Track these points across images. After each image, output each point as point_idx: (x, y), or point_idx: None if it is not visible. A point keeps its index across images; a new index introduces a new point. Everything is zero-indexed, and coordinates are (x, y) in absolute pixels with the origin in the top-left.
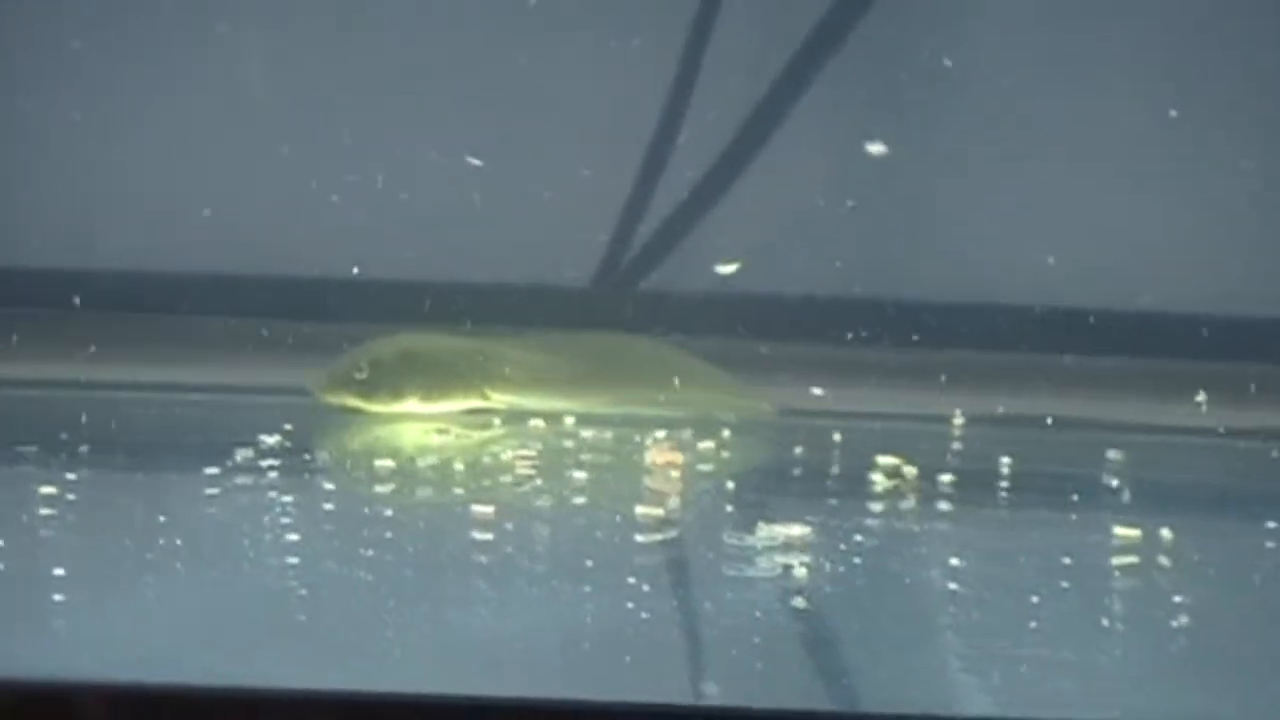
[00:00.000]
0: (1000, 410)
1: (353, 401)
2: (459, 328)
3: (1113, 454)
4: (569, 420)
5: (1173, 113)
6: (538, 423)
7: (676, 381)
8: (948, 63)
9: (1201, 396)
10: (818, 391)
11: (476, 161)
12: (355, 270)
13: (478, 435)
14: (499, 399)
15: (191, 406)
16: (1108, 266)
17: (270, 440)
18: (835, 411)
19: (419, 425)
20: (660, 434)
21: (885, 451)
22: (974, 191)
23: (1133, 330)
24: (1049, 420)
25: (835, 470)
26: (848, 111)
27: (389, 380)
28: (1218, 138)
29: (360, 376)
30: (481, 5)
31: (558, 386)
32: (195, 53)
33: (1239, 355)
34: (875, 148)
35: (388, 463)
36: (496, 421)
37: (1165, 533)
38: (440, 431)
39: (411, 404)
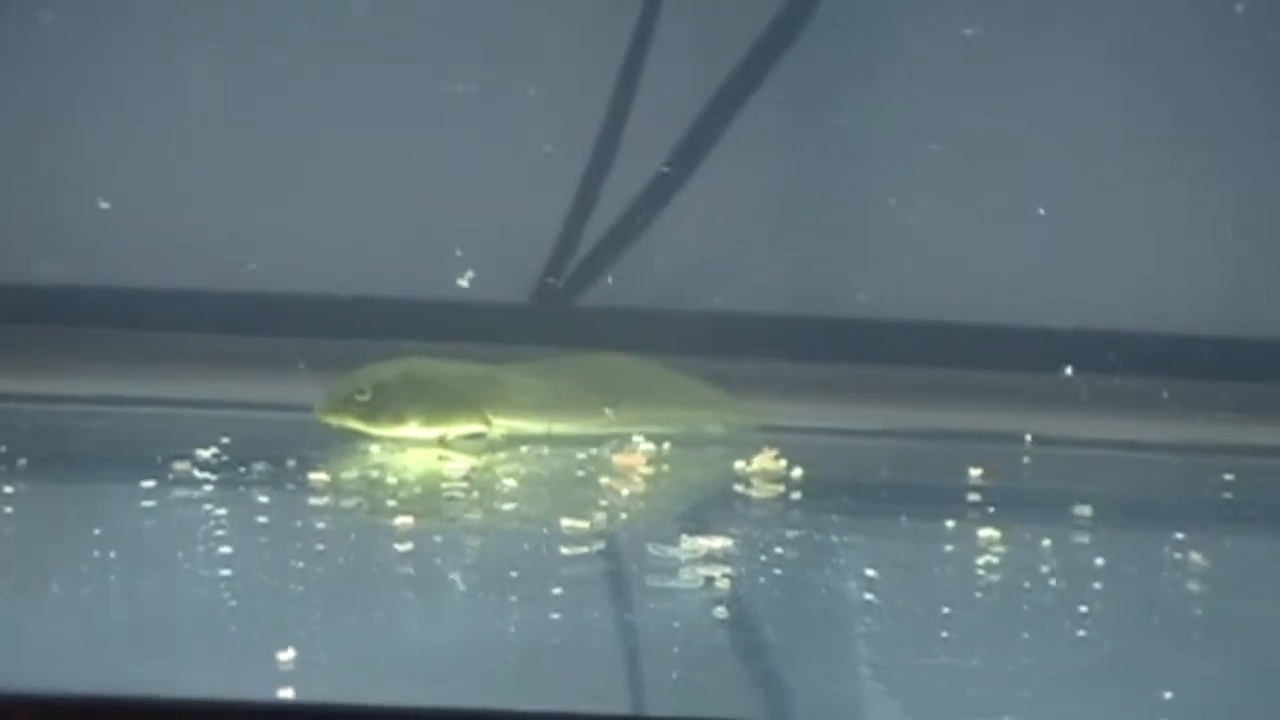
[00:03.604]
0: (931, 425)
1: (354, 424)
2: (403, 344)
3: (1032, 466)
4: (535, 439)
5: (1117, 134)
6: (489, 438)
7: (676, 399)
8: (888, 76)
9: (1120, 409)
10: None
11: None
12: (296, 285)
13: (418, 452)
14: (500, 423)
15: (131, 420)
16: (1051, 285)
17: (207, 454)
18: (819, 429)
19: (364, 442)
20: (634, 442)
21: (817, 464)
22: (915, 207)
23: (1070, 346)
24: (986, 433)
25: (770, 483)
26: (787, 126)
27: (391, 403)
28: (1161, 160)
29: (362, 399)
30: (422, 30)
31: (557, 410)
32: (144, 64)
33: (1156, 371)
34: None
35: (322, 476)
36: (444, 439)
37: (1078, 543)
38: (382, 447)
39: (413, 428)
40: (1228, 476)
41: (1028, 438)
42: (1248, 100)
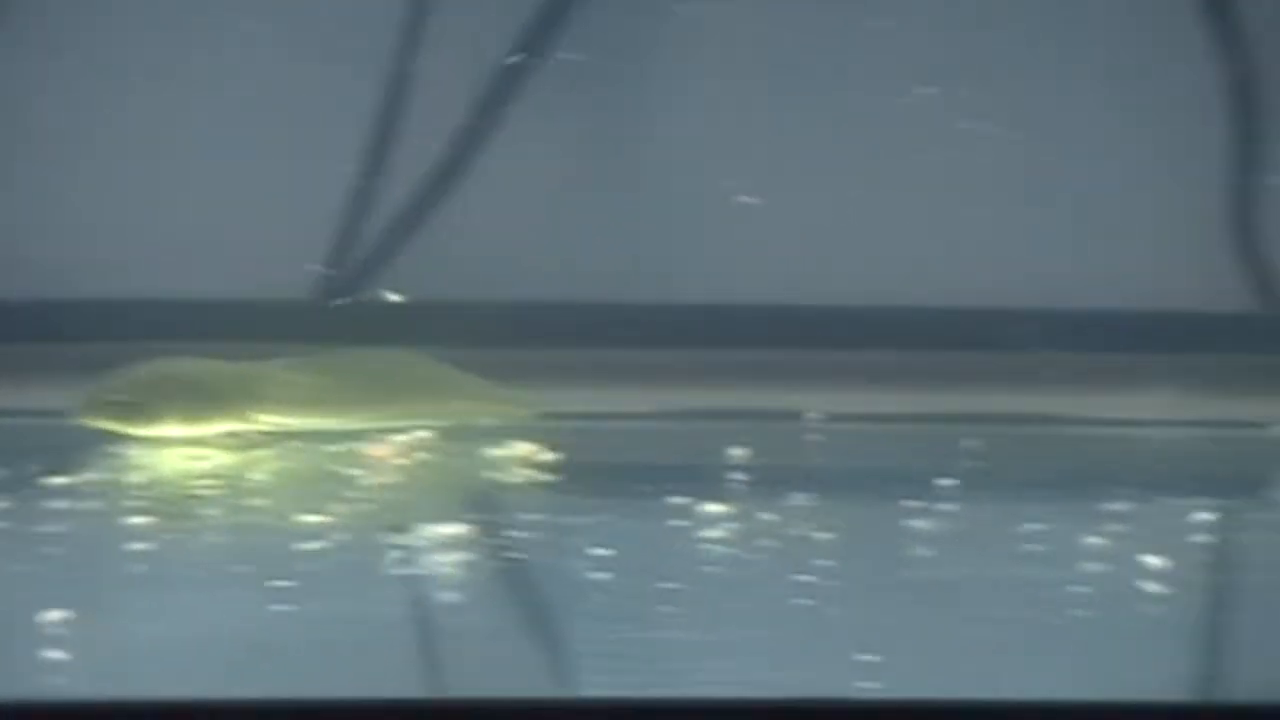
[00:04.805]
0: (707, 405)
1: (112, 424)
2: (180, 344)
3: (803, 444)
4: (297, 435)
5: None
6: (249, 435)
7: (442, 394)
8: (678, 51)
9: (896, 383)
10: None
11: None
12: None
13: (173, 451)
14: (264, 420)
15: None
16: (831, 262)
17: None
18: (599, 414)
19: (121, 443)
20: (389, 435)
21: (580, 449)
22: (699, 189)
23: (848, 322)
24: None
25: (525, 469)
26: (569, 114)
27: (149, 402)
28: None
29: (121, 399)
30: (192, 25)
31: (323, 406)
32: None
33: (927, 344)
34: None
35: (66, 479)
36: (202, 437)
37: (816, 515)
38: (139, 447)
39: (171, 426)
40: (972, 443)
41: (810, 415)
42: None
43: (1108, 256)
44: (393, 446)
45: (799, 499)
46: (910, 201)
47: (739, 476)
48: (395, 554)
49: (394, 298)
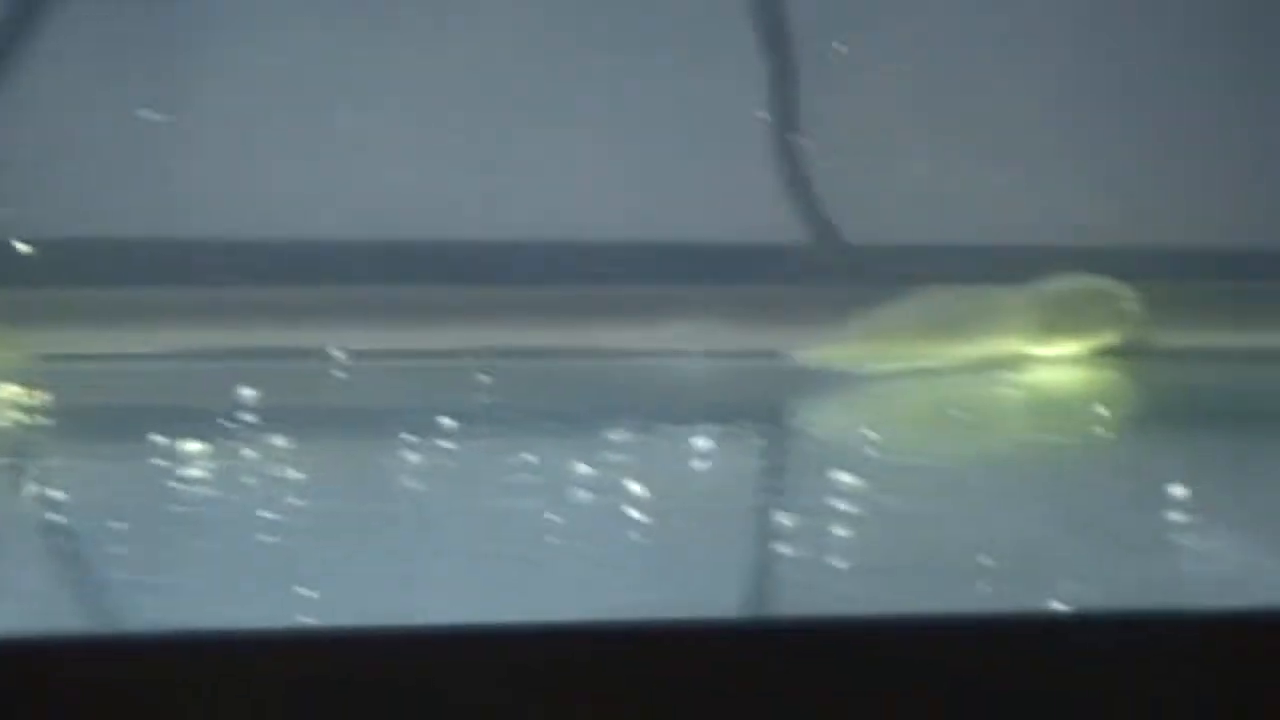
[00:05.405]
0: (231, 344)
1: None
2: None
3: (327, 382)
4: None
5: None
6: None
7: None
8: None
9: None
10: None
11: None
12: None
13: None
14: None
15: None
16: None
17: None
18: (103, 355)
19: None
20: None
21: (76, 392)
22: (230, 125)
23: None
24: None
25: (8, 412)
26: (98, 34)
27: None
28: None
29: None
30: None
31: None
32: None
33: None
34: None
35: None
36: None
37: (288, 455)
38: None
39: None
40: (487, 378)
41: (331, 352)
42: None
43: (646, 189)
44: None
45: (291, 438)
46: (457, 134)
47: (245, 417)
48: None
49: None
